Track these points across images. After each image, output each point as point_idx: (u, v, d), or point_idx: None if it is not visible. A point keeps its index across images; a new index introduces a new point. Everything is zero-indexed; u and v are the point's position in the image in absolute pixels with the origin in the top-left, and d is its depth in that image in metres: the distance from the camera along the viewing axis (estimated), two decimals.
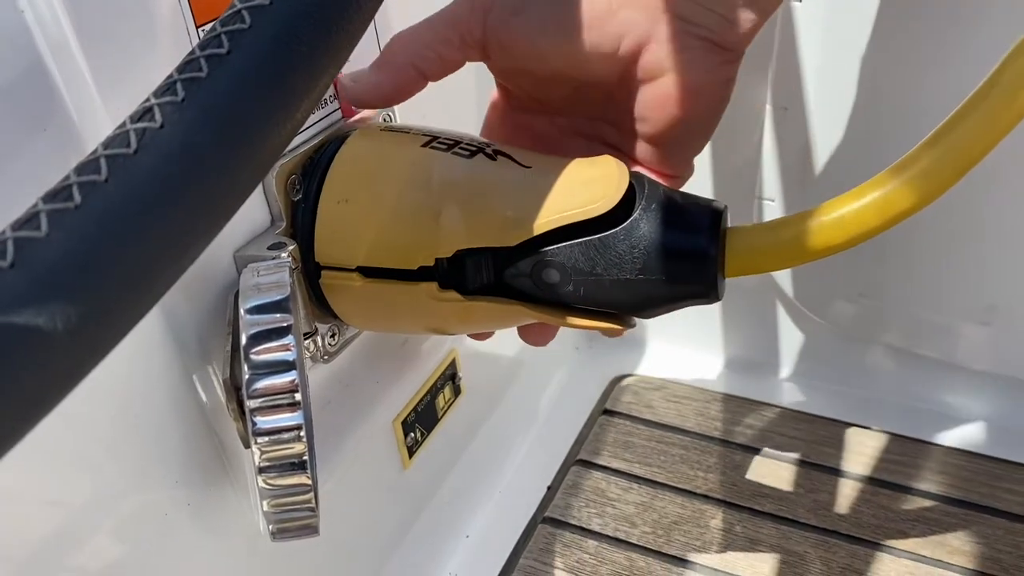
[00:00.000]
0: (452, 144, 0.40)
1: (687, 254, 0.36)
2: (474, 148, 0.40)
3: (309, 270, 0.41)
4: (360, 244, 0.40)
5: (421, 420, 0.58)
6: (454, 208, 0.38)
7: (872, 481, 0.65)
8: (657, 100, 0.39)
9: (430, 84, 0.50)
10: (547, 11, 0.38)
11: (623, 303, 0.38)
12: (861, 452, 0.68)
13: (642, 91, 0.39)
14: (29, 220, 0.20)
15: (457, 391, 0.61)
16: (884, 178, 0.36)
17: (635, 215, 0.36)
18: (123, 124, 0.23)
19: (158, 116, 0.23)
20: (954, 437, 0.68)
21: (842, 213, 0.36)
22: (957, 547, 0.60)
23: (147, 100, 0.24)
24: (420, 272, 0.39)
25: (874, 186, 0.36)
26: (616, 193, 0.36)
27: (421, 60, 0.40)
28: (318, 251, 0.40)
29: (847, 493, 0.64)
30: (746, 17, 0.37)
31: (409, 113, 0.50)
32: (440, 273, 0.39)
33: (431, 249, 0.39)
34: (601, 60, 0.38)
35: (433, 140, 0.41)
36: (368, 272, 0.40)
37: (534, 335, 0.43)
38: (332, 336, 0.45)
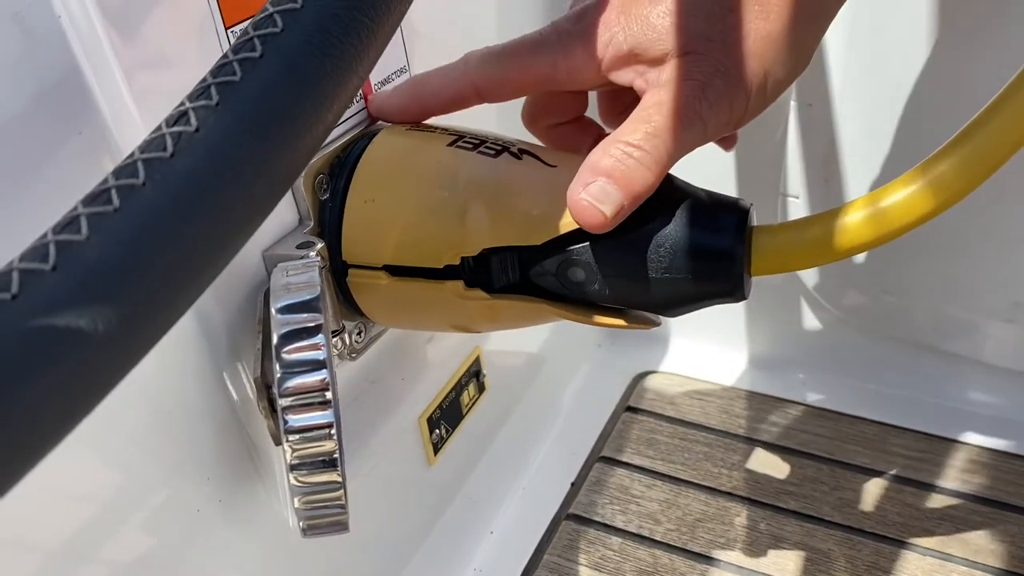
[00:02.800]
0: (478, 143, 0.41)
1: (713, 253, 0.36)
2: (499, 147, 0.40)
3: (336, 268, 0.41)
4: (386, 243, 0.40)
5: (446, 417, 0.58)
6: (480, 207, 0.39)
7: (897, 479, 0.65)
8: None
9: None
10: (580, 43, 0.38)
11: (648, 302, 0.38)
12: (886, 450, 0.67)
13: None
14: (69, 224, 0.21)
15: (481, 388, 0.61)
16: (911, 177, 0.36)
17: (661, 215, 0.37)
18: (159, 128, 0.24)
19: (193, 120, 0.24)
20: (980, 435, 0.68)
21: (870, 212, 0.36)
22: (983, 546, 0.59)
23: (182, 104, 0.24)
24: (446, 271, 0.39)
25: (901, 185, 0.36)
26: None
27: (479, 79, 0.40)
28: (345, 250, 0.41)
29: (872, 491, 0.64)
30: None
31: None
32: (466, 271, 0.39)
33: (457, 248, 0.39)
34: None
35: (459, 139, 0.41)
36: (394, 270, 0.40)
37: None
38: (359, 333, 0.46)
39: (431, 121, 0.44)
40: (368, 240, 0.41)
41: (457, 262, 0.39)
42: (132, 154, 0.23)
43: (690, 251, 0.36)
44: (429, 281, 0.40)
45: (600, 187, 0.34)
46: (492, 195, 0.39)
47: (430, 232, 0.39)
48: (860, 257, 0.68)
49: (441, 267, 0.39)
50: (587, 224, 0.35)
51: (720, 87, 0.34)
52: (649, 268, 0.37)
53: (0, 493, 0.19)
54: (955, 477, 0.65)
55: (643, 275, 0.37)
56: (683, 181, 0.38)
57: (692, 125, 0.35)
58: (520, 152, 0.40)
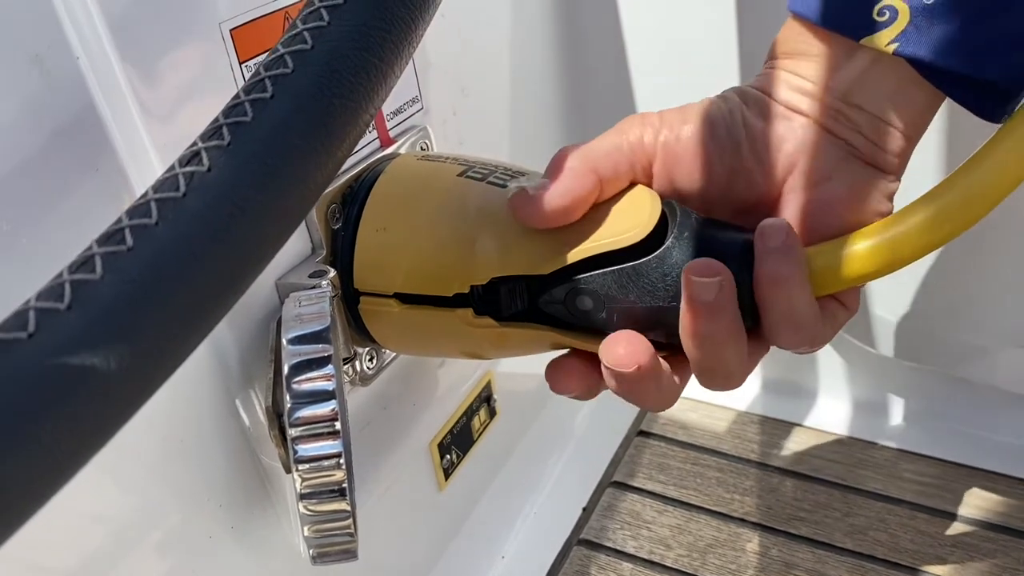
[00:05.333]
0: (487, 173, 0.41)
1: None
2: (508, 177, 0.41)
3: (348, 296, 0.42)
4: (397, 271, 0.41)
5: (457, 442, 0.58)
6: (489, 237, 0.39)
7: (910, 505, 0.65)
8: (810, 209, 0.39)
9: (461, 112, 0.51)
10: (711, 148, 0.39)
11: (657, 330, 0.39)
12: (898, 476, 0.67)
13: (793, 201, 0.39)
14: (84, 263, 0.22)
15: (492, 413, 0.61)
16: (915, 208, 0.36)
17: (667, 243, 0.37)
18: (172, 168, 0.24)
19: (205, 160, 0.24)
20: (993, 461, 0.67)
21: (881, 239, 0.36)
22: (996, 574, 0.59)
23: (194, 144, 0.25)
24: (455, 299, 0.40)
25: (905, 215, 0.36)
26: (649, 222, 0.37)
27: (601, 168, 0.38)
28: (357, 278, 0.41)
29: (884, 517, 0.64)
30: (895, 138, 0.37)
31: (443, 144, 0.51)
32: (475, 300, 0.40)
33: (466, 277, 0.39)
34: (758, 182, 0.39)
35: (468, 169, 0.42)
36: (405, 298, 0.41)
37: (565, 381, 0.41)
38: (371, 360, 0.46)
39: (441, 152, 0.44)
40: (379, 269, 0.41)
41: (467, 291, 0.40)
42: (145, 194, 0.23)
43: None
44: (439, 309, 0.40)
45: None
46: (501, 225, 0.39)
47: (440, 261, 0.40)
48: (873, 282, 0.68)
49: (451, 295, 0.40)
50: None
51: None
52: (656, 296, 0.37)
53: (20, 523, 0.19)
54: (969, 504, 0.64)
55: (651, 303, 0.37)
56: (690, 210, 0.39)
57: None
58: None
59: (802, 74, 0.38)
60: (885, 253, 0.36)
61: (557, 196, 0.37)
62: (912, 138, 0.38)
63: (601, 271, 0.37)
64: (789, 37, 0.39)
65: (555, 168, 0.38)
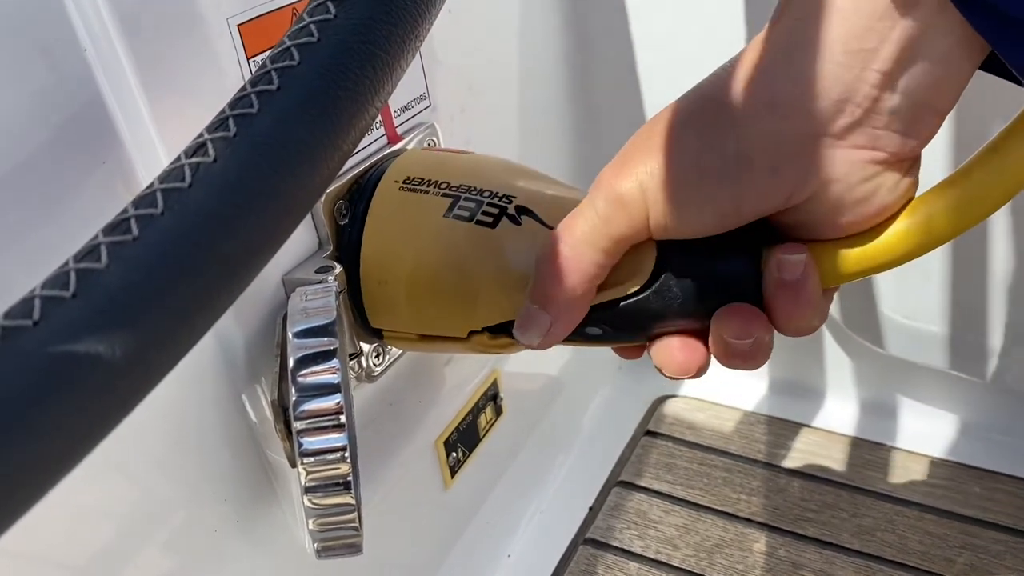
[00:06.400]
0: (474, 208, 0.40)
1: (722, 297, 0.36)
2: (496, 211, 0.40)
3: (355, 292, 0.42)
4: (408, 319, 0.42)
5: (463, 440, 0.58)
6: (490, 288, 0.39)
7: (918, 506, 0.64)
8: (843, 227, 0.34)
9: (469, 110, 0.50)
10: (706, 197, 0.33)
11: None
12: (906, 476, 0.67)
13: (831, 218, 0.33)
14: (90, 252, 0.22)
15: (499, 411, 0.61)
16: (935, 193, 0.33)
17: (663, 278, 0.36)
18: (178, 159, 0.24)
19: (211, 151, 0.24)
20: (1003, 462, 0.67)
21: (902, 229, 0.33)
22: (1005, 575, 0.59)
23: (200, 136, 0.25)
24: (470, 335, 0.41)
25: (923, 202, 0.33)
26: (650, 262, 0.36)
27: (601, 276, 0.36)
28: (371, 318, 0.42)
29: (892, 518, 0.64)
30: (929, 121, 0.30)
31: (450, 141, 0.51)
32: (490, 327, 0.40)
33: (477, 322, 0.40)
34: (768, 210, 0.33)
35: (454, 204, 0.41)
36: (422, 335, 0.42)
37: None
38: (377, 356, 0.46)
39: (431, 162, 0.44)
40: (390, 313, 0.42)
41: (479, 329, 0.41)
42: (151, 184, 0.24)
43: (701, 306, 0.36)
44: (456, 340, 0.42)
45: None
46: (500, 274, 0.39)
47: (447, 315, 0.41)
48: (881, 281, 0.68)
49: (464, 336, 0.41)
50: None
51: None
52: (665, 322, 0.37)
53: (23, 511, 0.19)
54: (977, 505, 0.64)
55: (659, 328, 0.37)
56: (697, 242, 0.36)
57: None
58: (519, 212, 0.40)
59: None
60: (909, 241, 0.33)
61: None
62: (943, 118, 0.31)
63: (605, 309, 0.37)
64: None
65: (552, 292, 0.36)
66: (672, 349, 0.37)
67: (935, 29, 0.28)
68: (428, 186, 0.42)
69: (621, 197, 0.33)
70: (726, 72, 0.32)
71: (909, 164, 0.32)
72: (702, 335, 0.37)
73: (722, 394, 0.77)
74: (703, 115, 0.33)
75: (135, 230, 0.22)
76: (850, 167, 0.31)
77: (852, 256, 0.34)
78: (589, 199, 0.35)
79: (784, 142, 0.31)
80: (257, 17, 0.37)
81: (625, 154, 0.34)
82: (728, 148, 0.32)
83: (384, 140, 0.46)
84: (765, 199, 0.32)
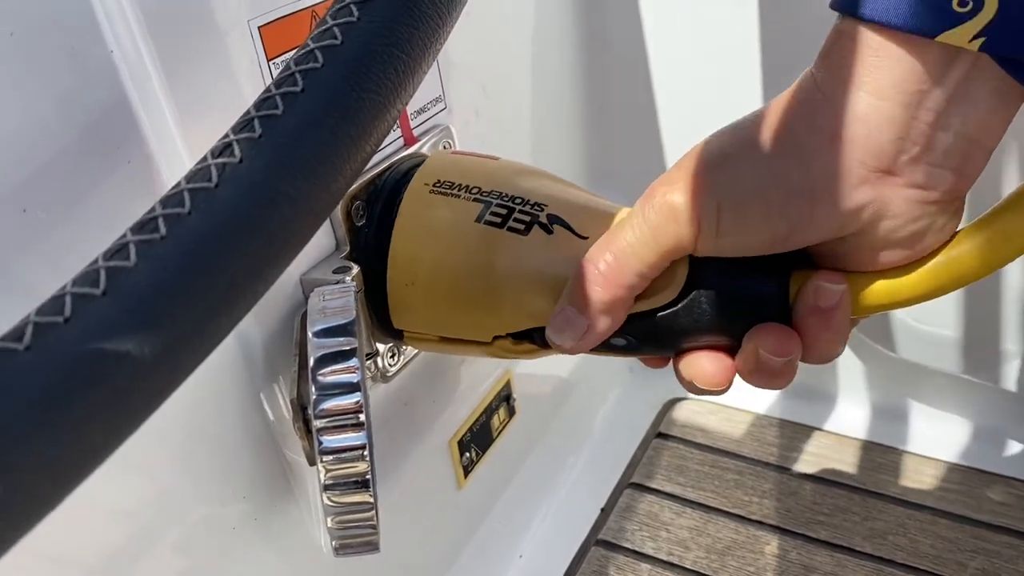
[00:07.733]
0: (506, 214, 0.40)
1: (750, 318, 0.36)
2: (528, 219, 0.40)
3: (373, 292, 0.42)
4: (433, 322, 0.42)
5: (476, 440, 0.58)
6: (519, 295, 0.40)
7: (930, 510, 0.64)
8: (880, 262, 0.34)
9: (484, 113, 0.50)
10: (763, 223, 0.33)
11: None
12: (919, 480, 0.67)
13: (872, 253, 0.34)
14: (119, 250, 0.22)
15: (512, 412, 0.62)
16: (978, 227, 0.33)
17: (693, 294, 0.36)
18: (205, 159, 0.25)
19: (237, 151, 0.25)
20: (1016, 467, 0.67)
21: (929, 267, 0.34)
22: None
23: (226, 136, 0.25)
24: (494, 339, 0.41)
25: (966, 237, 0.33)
26: (681, 277, 0.36)
27: (636, 288, 0.36)
28: (394, 319, 0.43)
29: (904, 522, 0.64)
30: (978, 158, 0.31)
31: (465, 144, 0.51)
32: (514, 332, 0.41)
33: (502, 328, 0.41)
34: (816, 240, 0.34)
35: (487, 209, 0.41)
36: (444, 337, 0.43)
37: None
38: (392, 356, 0.47)
39: (457, 167, 0.43)
40: (415, 315, 0.42)
41: (503, 334, 0.41)
42: (179, 184, 0.24)
43: (728, 324, 0.37)
44: (478, 344, 0.42)
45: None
46: (529, 282, 0.39)
47: (474, 320, 0.41)
48: None
49: (489, 340, 0.41)
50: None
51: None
52: (689, 337, 0.37)
53: (54, 505, 0.20)
54: (989, 509, 0.64)
55: (683, 343, 0.38)
56: (729, 261, 0.36)
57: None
58: (550, 221, 0.40)
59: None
60: (939, 279, 0.34)
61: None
62: (989, 155, 0.32)
63: (632, 321, 0.37)
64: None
65: (593, 297, 0.36)
66: (703, 363, 0.37)
67: (980, 71, 0.29)
68: (459, 190, 0.42)
69: (674, 209, 0.34)
70: (788, 102, 0.33)
71: (957, 206, 0.33)
72: (726, 351, 0.37)
73: (733, 397, 0.77)
74: (766, 143, 0.33)
75: (163, 229, 0.22)
76: (906, 206, 0.31)
77: (882, 289, 0.34)
78: (638, 209, 0.35)
79: (846, 176, 0.31)
80: (277, 19, 0.38)
81: (680, 170, 0.34)
82: (792, 178, 0.32)
83: (401, 142, 0.46)
84: (819, 230, 0.33)
